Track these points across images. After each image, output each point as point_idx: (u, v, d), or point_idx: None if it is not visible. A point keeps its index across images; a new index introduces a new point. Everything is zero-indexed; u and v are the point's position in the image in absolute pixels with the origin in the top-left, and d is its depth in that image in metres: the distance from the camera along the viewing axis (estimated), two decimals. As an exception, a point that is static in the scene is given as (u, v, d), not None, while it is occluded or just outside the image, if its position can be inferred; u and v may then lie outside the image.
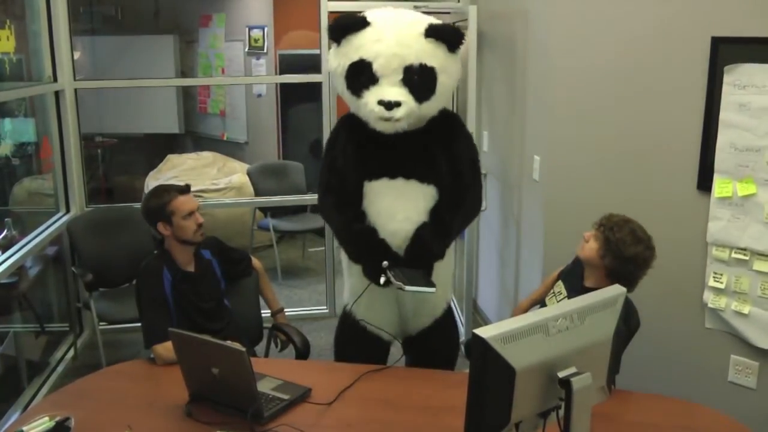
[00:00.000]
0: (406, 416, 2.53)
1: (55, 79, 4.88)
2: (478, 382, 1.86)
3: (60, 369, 4.77)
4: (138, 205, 5.26)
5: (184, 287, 3.19)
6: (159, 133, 9.05)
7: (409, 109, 2.87)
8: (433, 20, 2.99)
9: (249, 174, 6.83)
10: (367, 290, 3.13)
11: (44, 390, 4.44)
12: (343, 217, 3.09)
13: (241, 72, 8.48)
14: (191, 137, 9.41)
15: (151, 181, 7.30)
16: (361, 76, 2.90)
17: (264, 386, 2.69)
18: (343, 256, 3.25)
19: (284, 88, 8.13)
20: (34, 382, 4.53)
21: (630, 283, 2.74)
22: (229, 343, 2.55)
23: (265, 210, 6.76)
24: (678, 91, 3.47)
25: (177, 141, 9.27)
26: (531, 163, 4.08)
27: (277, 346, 3.49)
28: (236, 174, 7.39)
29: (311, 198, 6.24)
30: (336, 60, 3.00)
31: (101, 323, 4.57)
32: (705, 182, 3.43)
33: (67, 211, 5.04)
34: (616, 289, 2.17)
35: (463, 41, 2.95)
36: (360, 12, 3.02)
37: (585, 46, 3.62)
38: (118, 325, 4.63)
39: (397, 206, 3.03)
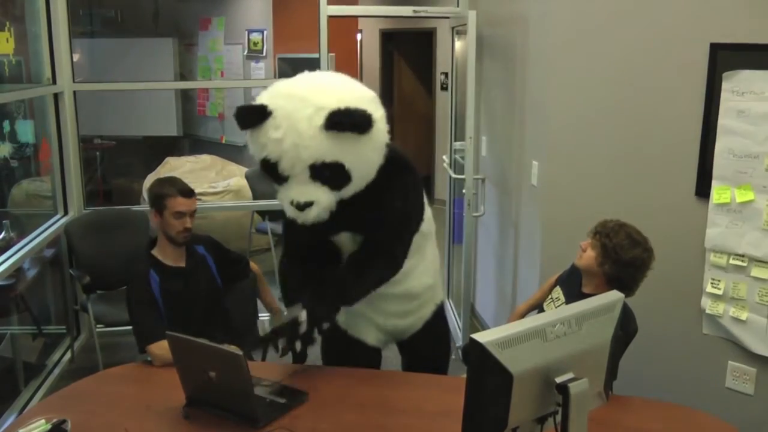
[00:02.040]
0: (403, 420, 2.54)
1: (54, 81, 4.88)
2: (476, 387, 1.86)
3: (57, 371, 4.76)
4: (136, 208, 5.29)
5: (173, 285, 3.21)
6: (158, 136, 9.05)
7: (322, 207, 2.68)
8: (342, 99, 2.60)
9: (247, 177, 6.83)
10: None
11: (41, 393, 4.43)
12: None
13: (240, 75, 8.49)
14: (190, 140, 9.42)
15: (149, 184, 7.30)
16: (270, 172, 2.70)
17: (261, 390, 2.69)
18: None
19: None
20: (30, 385, 4.52)
21: (630, 287, 2.75)
22: (225, 346, 2.56)
23: (263, 213, 6.76)
24: (677, 97, 3.47)
25: (175, 144, 9.27)
26: (529, 169, 4.08)
27: (277, 351, 3.48)
28: (234, 177, 7.39)
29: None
30: (251, 147, 2.77)
31: (98, 326, 4.57)
32: (703, 188, 3.44)
33: (65, 213, 5.04)
34: (614, 295, 2.17)
35: (372, 124, 2.61)
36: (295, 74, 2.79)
37: (584, 52, 3.62)
38: (115, 327, 4.63)
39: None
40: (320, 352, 3.33)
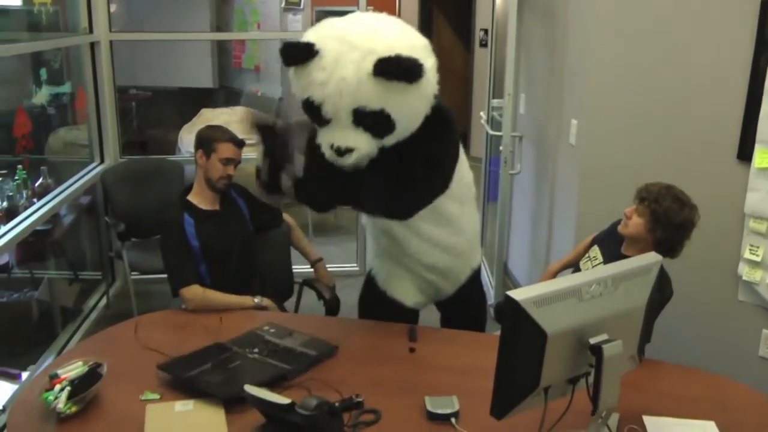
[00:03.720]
0: (435, 376, 2.54)
1: (91, 31, 4.88)
2: (509, 345, 1.85)
3: (93, 316, 4.85)
4: (171, 158, 5.32)
5: (207, 227, 3.24)
6: (193, 87, 9.05)
7: (363, 154, 2.61)
8: (393, 46, 2.50)
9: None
10: (387, 260, 3.15)
11: (77, 336, 4.52)
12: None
13: (277, 27, 8.42)
14: (225, 92, 9.41)
15: (185, 135, 7.32)
16: (312, 114, 2.63)
17: (292, 341, 2.71)
18: (366, 219, 3.21)
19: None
20: (67, 328, 4.61)
21: (678, 249, 2.74)
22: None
23: (299, 166, 6.75)
24: (722, 57, 3.40)
25: (211, 95, 9.26)
26: (568, 128, 4.03)
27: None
28: (270, 129, 7.36)
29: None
30: (293, 86, 2.71)
31: (133, 273, 4.63)
32: (745, 152, 3.37)
33: (102, 161, 5.08)
34: (652, 257, 2.15)
35: (422, 74, 2.51)
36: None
37: (627, 10, 3.54)
38: (149, 275, 4.67)
39: None
40: (357, 311, 3.35)
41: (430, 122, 2.69)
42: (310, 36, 2.57)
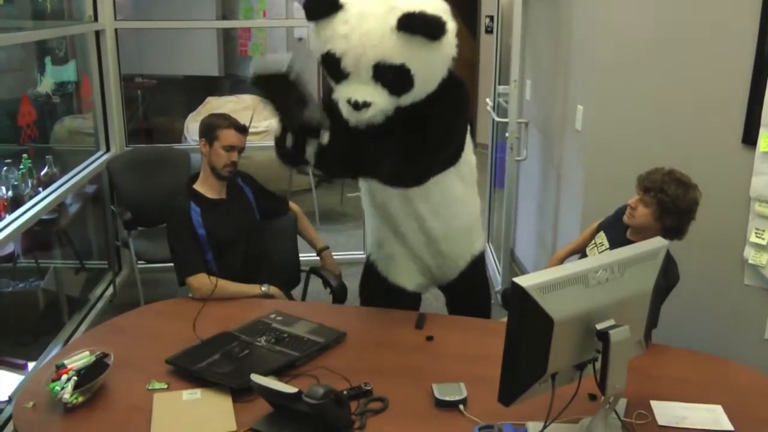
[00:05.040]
0: (441, 363, 2.54)
1: (96, 19, 4.87)
2: (516, 331, 1.85)
3: (99, 306, 4.86)
4: (177, 146, 5.32)
5: (213, 214, 3.24)
6: (199, 76, 9.03)
7: (379, 109, 2.61)
8: (417, 2, 2.53)
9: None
10: (386, 244, 3.14)
11: (84, 326, 4.53)
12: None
13: (283, 15, 8.40)
14: (231, 80, 9.39)
15: (191, 123, 7.32)
16: (331, 68, 2.64)
17: (299, 329, 2.71)
18: (365, 203, 3.21)
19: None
20: (74, 318, 4.62)
21: (684, 232, 2.75)
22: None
23: (304, 154, 6.74)
24: (727, 40, 3.38)
25: (217, 83, 9.24)
26: (574, 113, 4.01)
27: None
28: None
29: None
30: (312, 41, 2.72)
31: (139, 262, 4.63)
32: (751, 136, 3.36)
33: (107, 150, 5.08)
34: (658, 242, 2.14)
35: (445, 31, 2.55)
36: None
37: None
38: (155, 264, 4.68)
39: None
40: (359, 298, 3.35)
41: (446, 87, 2.71)
42: None
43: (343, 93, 2.62)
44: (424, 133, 2.73)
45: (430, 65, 2.61)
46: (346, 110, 2.63)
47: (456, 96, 2.81)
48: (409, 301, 3.22)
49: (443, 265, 3.19)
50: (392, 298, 3.15)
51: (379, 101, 2.59)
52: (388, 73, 2.54)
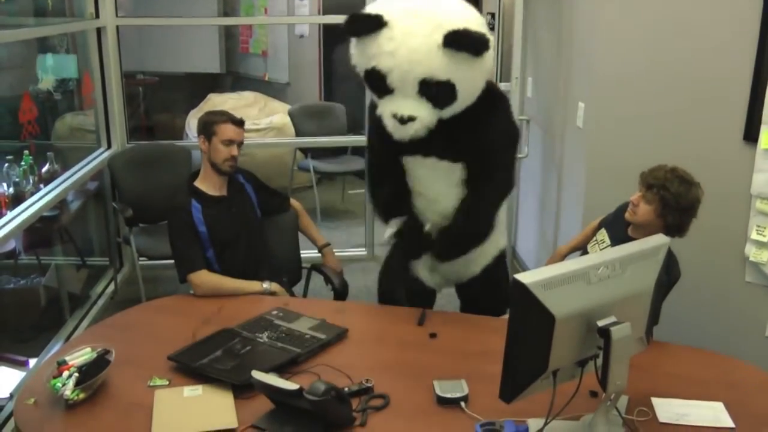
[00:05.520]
0: (442, 359, 2.54)
1: (97, 16, 4.87)
2: (517, 328, 1.85)
3: (101, 302, 4.85)
4: (179, 143, 5.32)
5: (215, 211, 3.24)
6: (200, 73, 9.03)
7: (424, 124, 2.72)
8: (460, 20, 2.65)
9: (290, 115, 6.83)
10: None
11: (85, 322, 4.53)
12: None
13: (284, 12, 8.39)
14: (232, 77, 9.39)
15: (192, 120, 7.32)
16: (376, 83, 2.74)
17: (301, 326, 2.71)
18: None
19: (327, 28, 8.04)
20: (75, 315, 4.62)
21: (686, 229, 2.75)
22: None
23: (306, 151, 6.76)
24: (728, 37, 3.38)
25: (218, 80, 9.24)
26: (575, 111, 4.01)
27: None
28: (277, 114, 7.37)
29: (352, 139, 6.24)
30: (355, 57, 2.81)
31: (141, 258, 4.63)
32: (752, 133, 3.35)
33: (108, 147, 5.08)
34: (660, 239, 2.15)
35: (488, 47, 2.66)
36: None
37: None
38: (157, 260, 4.67)
39: (430, 184, 3.01)
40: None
41: (487, 96, 2.84)
42: (377, 8, 2.70)
43: (388, 108, 2.72)
44: (487, 154, 2.90)
45: (473, 79, 2.72)
46: (391, 124, 2.73)
47: (503, 108, 3.00)
48: (424, 295, 3.25)
49: (471, 259, 3.20)
50: (409, 286, 3.17)
51: (424, 115, 2.70)
52: (434, 88, 2.65)
